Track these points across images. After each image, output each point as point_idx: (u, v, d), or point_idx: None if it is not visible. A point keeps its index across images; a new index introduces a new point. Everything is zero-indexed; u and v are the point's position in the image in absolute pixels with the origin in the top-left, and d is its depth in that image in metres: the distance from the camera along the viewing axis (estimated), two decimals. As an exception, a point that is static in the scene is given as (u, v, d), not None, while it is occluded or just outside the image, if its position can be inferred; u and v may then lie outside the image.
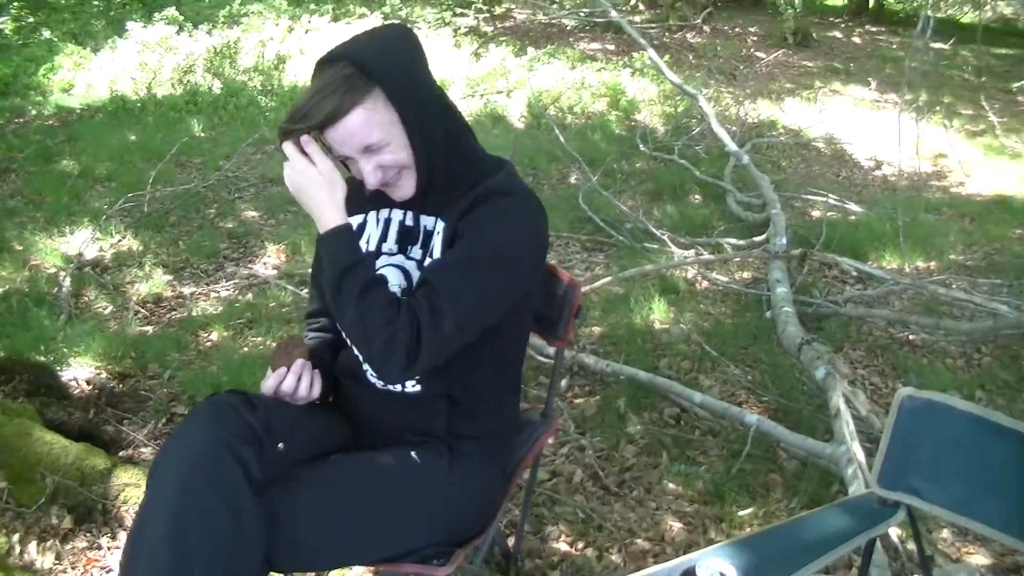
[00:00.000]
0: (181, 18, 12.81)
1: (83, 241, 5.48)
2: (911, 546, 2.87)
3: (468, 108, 9.60)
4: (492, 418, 2.10)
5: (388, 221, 2.05)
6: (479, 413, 2.05)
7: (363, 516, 1.88)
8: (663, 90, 10.44)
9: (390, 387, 2.01)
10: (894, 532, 2.90)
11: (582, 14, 13.08)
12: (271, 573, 1.78)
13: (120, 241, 5.64)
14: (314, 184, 1.83)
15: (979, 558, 3.17)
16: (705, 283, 5.22)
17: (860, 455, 3.04)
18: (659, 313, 4.68)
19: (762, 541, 1.84)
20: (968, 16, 24.16)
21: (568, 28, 15.06)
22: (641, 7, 18.49)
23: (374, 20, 14.17)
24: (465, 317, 1.82)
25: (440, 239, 1.94)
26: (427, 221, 1.99)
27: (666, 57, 11.78)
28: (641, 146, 8.08)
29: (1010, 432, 1.94)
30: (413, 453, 1.96)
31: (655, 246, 5.60)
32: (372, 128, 1.81)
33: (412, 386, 2.00)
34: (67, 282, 4.90)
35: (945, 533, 3.26)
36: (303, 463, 1.87)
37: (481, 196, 1.91)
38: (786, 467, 3.38)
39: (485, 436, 2.06)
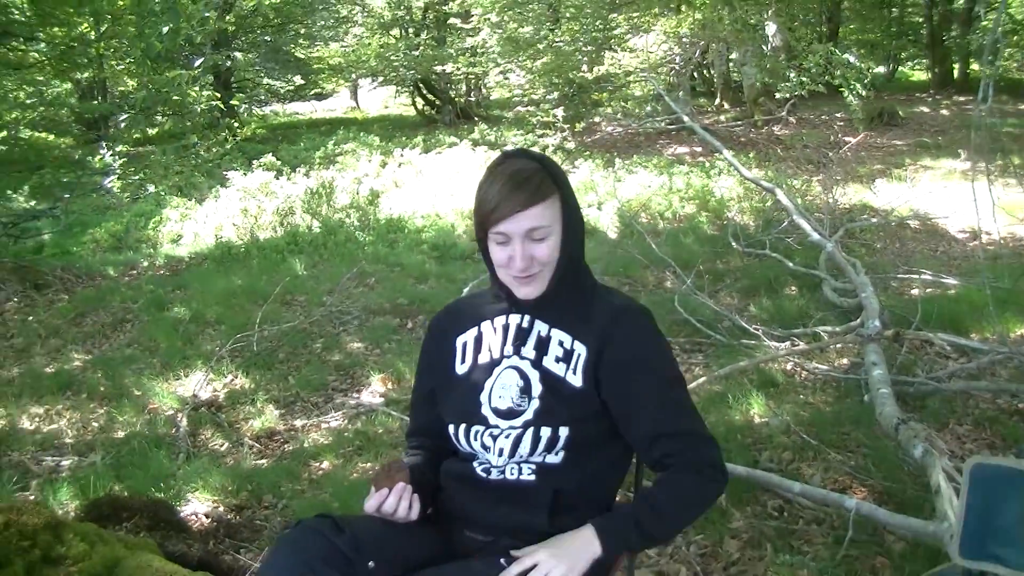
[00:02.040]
0: (279, 164, 13.44)
1: (197, 383, 5.73)
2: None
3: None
4: (593, 515, 2.15)
5: (506, 327, 2.21)
6: (582, 509, 2.08)
7: None
8: (748, 187, 10.54)
9: (506, 476, 2.10)
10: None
11: (660, 122, 13.36)
12: None
13: (232, 380, 5.88)
14: (572, 552, 1.96)
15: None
16: (804, 373, 5.22)
17: (963, 530, 3.01)
18: (757, 407, 4.71)
19: None
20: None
21: (652, 134, 15.33)
22: (726, 105, 18.74)
23: (464, 147, 14.65)
24: (697, 419, 2.10)
25: (583, 361, 2.10)
26: (541, 327, 2.16)
27: (752, 153, 11.94)
28: (733, 244, 8.16)
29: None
30: (502, 560, 1.98)
31: (752, 342, 5.62)
32: (546, 220, 2.03)
33: (528, 474, 2.08)
34: (184, 422, 5.11)
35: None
36: None
37: (616, 317, 2.13)
38: (893, 549, 3.36)
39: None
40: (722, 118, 16.67)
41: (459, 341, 2.25)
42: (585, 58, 14.95)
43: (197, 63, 13.19)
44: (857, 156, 12.49)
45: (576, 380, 2.08)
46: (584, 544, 1.93)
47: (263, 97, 21.67)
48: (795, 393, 4.96)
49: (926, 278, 6.84)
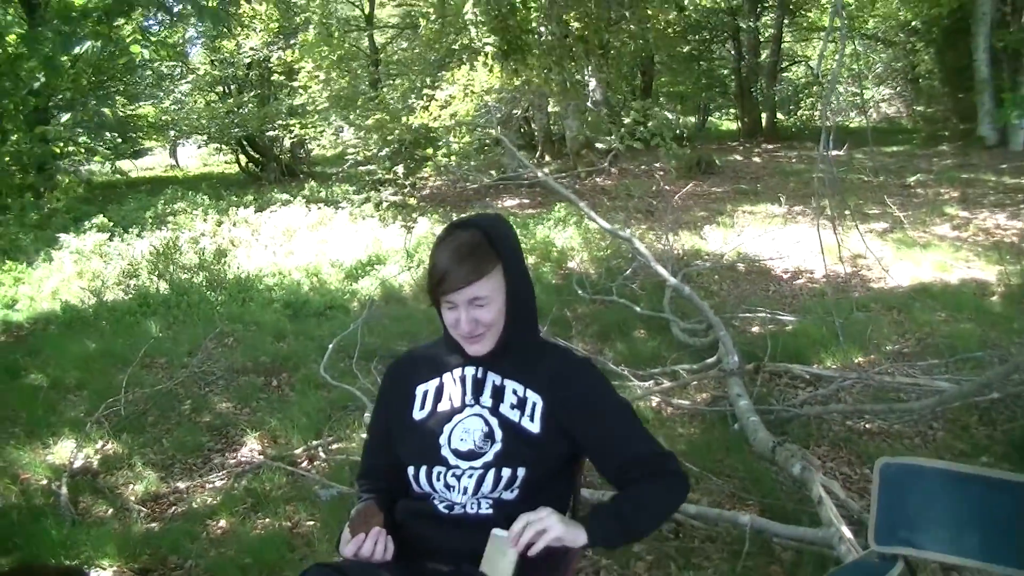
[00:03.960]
0: (111, 224, 13.16)
1: (70, 451, 5.60)
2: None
3: (410, 279, 10.00)
4: None
5: (463, 378, 2.43)
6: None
7: None
8: (587, 236, 10.98)
9: (466, 510, 2.30)
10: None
11: (495, 176, 13.75)
12: None
13: (104, 447, 5.76)
14: (556, 525, 2.15)
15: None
16: (670, 409, 5.58)
17: (848, 533, 3.41)
18: (636, 442, 5.01)
19: None
20: (855, 122, 25.56)
21: (481, 188, 15.66)
22: (548, 158, 19.31)
23: (298, 205, 14.66)
24: (653, 439, 2.36)
25: (540, 409, 2.34)
26: (495, 378, 2.39)
27: (582, 203, 12.41)
28: (580, 291, 8.51)
29: (975, 478, 2.34)
30: None
31: (617, 382, 5.94)
32: (486, 291, 2.26)
33: (486, 508, 2.29)
34: (64, 490, 4.99)
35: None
36: None
37: (566, 366, 2.41)
38: (784, 558, 3.72)
39: (544, 562, 2.26)
40: (546, 170, 17.21)
41: (419, 389, 2.46)
42: (411, 114, 15.22)
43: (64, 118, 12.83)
44: (683, 205, 13.15)
45: (534, 427, 2.32)
46: (573, 527, 2.14)
47: (81, 157, 21.08)
48: (666, 428, 5.29)
49: (767, 316, 7.37)
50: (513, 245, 2.36)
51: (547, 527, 2.08)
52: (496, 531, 2.13)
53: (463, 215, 2.61)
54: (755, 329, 7.23)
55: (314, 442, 5.48)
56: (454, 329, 2.33)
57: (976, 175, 14.47)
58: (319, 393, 6.28)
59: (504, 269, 2.30)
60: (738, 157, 17.84)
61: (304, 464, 5.28)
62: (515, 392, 2.37)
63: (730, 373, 5.46)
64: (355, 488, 2.68)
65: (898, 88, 28.07)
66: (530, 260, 10.44)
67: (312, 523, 4.47)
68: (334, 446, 5.43)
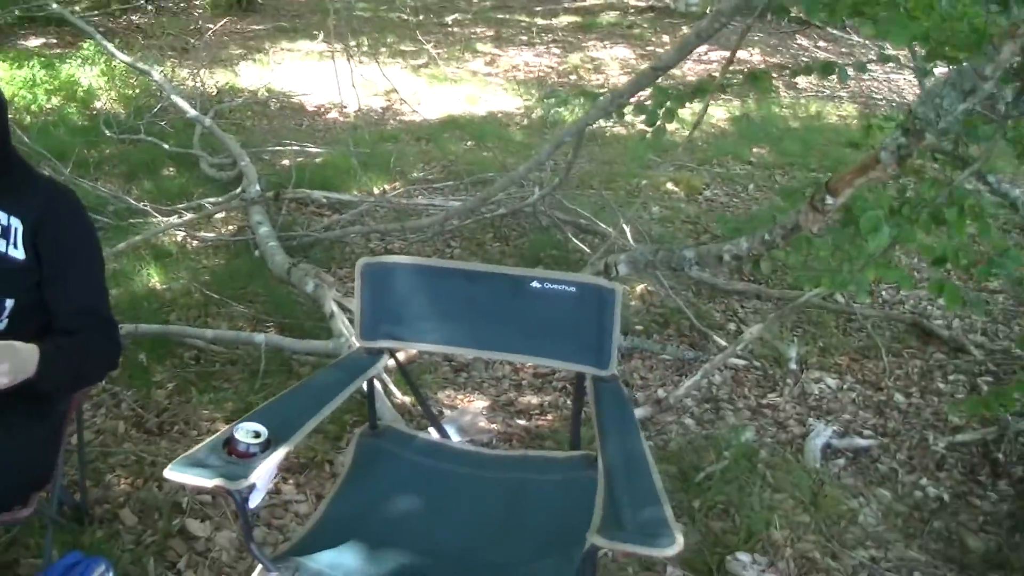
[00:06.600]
0: None
1: None
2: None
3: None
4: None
5: None
6: None
7: None
8: (117, 74, 10.37)
9: None
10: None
11: (17, 11, 12.55)
12: None
13: None
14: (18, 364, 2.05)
15: (479, 402, 3.84)
16: (195, 243, 5.51)
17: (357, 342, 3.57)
18: (157, 276, 4.92)
19: (284, 401, 2.22)
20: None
21: (8, 26, 14.31)
22: (86, -5, 17.89)
23: None
24: (107, 302, 2.42)
25: (20, 233, 2.24)
26: None
27: (116, 41, 11.65)
28: (107, 132, 8.08)
29: (450, 271, 2.53)
30: None
31: (140, 220, 5.76)
32: None
33: None
34: None
35: (448, 392, 3.91)
36: None
37: (53, 196, 2.34)
38: (301, 372, 3.86)
39: (30, 395, 2.20)
40: (77, 7, 15.94)
41: None
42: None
43: None
44: (220, 42, 12.74)
45: (18, 253, 2.23)
46: (25, 364, 2.08)
47: None
48: (190, 260, 5.22)
49: (295, 148, 7.40)
50: None
51: None
52: None
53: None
54: (285, 162, 7.24)
55: None
56: None
57: (511, 16, 15.20)
58: None
59: None
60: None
61: None
62: (25, 228, 2.25)
63: (251, 202, 5.46)
64: None
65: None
66: (55, 101, 9.74)
67: None
68: None
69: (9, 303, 2.22)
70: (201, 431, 3.50)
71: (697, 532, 3.04)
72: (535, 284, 2.43)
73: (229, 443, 1.90)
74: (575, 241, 5.36)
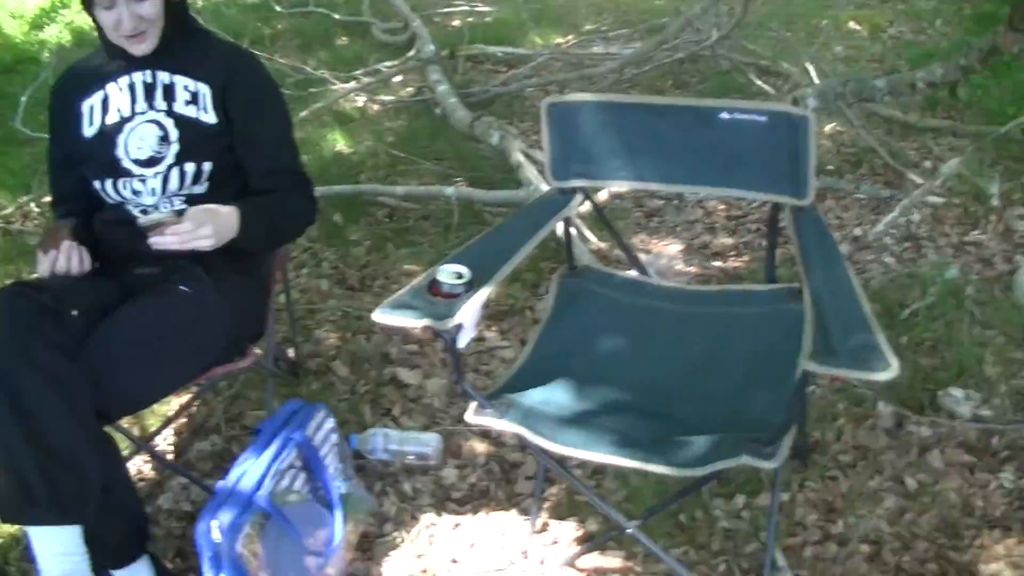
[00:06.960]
0: None
1: None
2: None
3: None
4: None
5: (132, 86, 2.32)
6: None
7: (166, 349, 2.12)
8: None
9: (160, 210, 2.28)
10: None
11: None
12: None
13: None
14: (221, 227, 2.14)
15: (673, 246, 3.82)
16: (376, 106, 5.58)
17: (546, 188, 3.59)
18: (343, 141, 5.02)
19: (482, 244, 2.21)
20: None
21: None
22: None
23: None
24: (301, 160, 2.52)
25: (210, 99, 2.32)
26: (163, 77, 2.32)
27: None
28: (277, 7, 8.18)
29: (638, 106, 2.47)
30: (182, 287, 2.20)
31: (320, 89, 5.86)
32: None
33: (179, 205, 2.28)
34: None
35: (641, 236, 3.91)
36: (99, 322, 2.08)
37: (235, 59, 2.43)
38: (494, 223, 3.88)
39: (235, 254, 2.28)
40: None
41: (85, 105, 2.36)
42: None
43: None
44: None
45: (210, 118, 2.30)
46: (228, 226, 2.17)
47: None
48: (373, 123, 5.31)
49: (464, 9, 7.37)
50: None
51: (198, 245, 2.09)
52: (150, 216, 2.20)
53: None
54: (455, 23, 7.22)
55: (23, 198, 5.16)
56: (115, 31, 2.22)
57: None
58: (21, 150, 5.89)
59: None
60: None
61: (18, 224, 4.99)
62: (187, 88, 2.32)
63: (427, 61, 5.48)
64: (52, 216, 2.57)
65: None
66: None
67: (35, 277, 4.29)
68: (46, 199, 5.16)
69: (207, 166, 2.29)
70: (401, 285, 3.56)
71: (907, 368, 2.97)
72: (723, 115, 2.34)
73: (433, 285, 1.90)
74: (758, 83, 5.17)
